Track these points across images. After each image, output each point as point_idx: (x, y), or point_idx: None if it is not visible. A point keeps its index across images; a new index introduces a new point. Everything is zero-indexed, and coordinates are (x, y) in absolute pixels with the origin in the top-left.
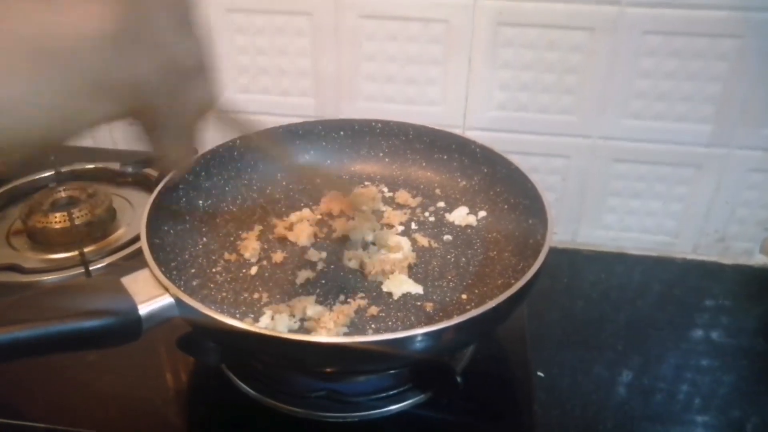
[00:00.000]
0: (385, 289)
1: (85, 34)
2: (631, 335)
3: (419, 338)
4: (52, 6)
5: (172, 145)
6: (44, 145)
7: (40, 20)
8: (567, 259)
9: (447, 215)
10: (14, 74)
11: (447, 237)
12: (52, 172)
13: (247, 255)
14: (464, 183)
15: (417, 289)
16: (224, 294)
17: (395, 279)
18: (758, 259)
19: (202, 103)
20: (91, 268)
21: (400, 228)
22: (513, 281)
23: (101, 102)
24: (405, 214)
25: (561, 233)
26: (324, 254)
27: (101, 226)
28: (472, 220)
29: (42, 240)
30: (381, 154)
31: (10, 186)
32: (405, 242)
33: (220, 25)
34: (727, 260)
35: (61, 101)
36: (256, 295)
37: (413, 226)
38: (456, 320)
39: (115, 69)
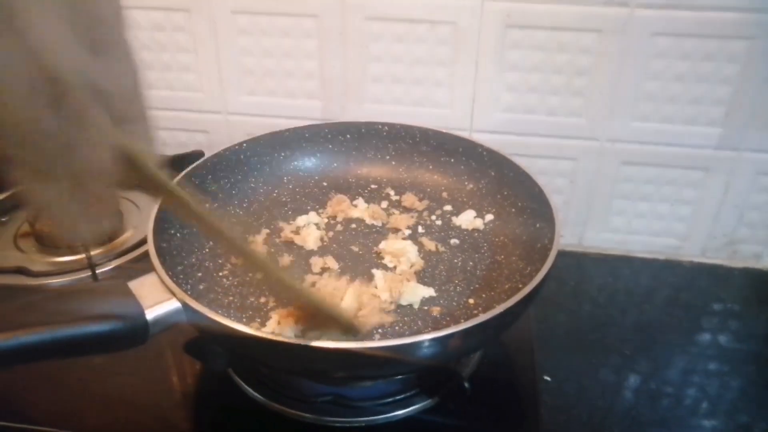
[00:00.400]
0: (404, 302)
1: None
2: (638, 339)
3: (426, 344)
4: None
5: (58, 204)
6: None
7: None
8: (574, 263)
9: (454, 219)
10: None
11: (454, 241)
12: None
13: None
14: (471, 186)
15: (429, 291)
16: (231, 298)
17: (408, 289)
18: (767, 263)
19: (103, 152)
20: (97, 272)
21: (407, 232)
22: (521, 285)
23: None
24: (412, 217)
25: (568, 236)
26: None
27: (108, 230)
28: (479, 223)
29: (49, 243)
30: (387, 157)
31: (18, 189)
32: (410, 246)
33: (226, 26)
34: (735, 264)
35: None
36: (262, 300)
37: (420, 229)
38: (463, 326)
39: None
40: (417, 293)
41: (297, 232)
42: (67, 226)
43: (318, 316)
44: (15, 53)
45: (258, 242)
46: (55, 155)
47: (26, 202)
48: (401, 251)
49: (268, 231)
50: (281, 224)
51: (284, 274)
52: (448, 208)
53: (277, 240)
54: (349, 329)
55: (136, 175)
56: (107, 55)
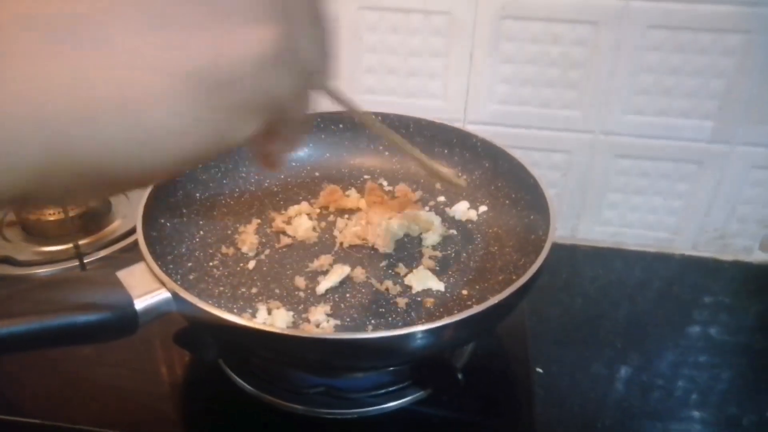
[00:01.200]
0: (406, 282)
1: (246, 59)
2: (629, 332)
3: (419, 335)
4: (213, 33)
5: (290, 135)
6: (176, 171)
7: (202, 50)
8: (566, 255)
9: (447, 210)
10: (176, 104)
11: (448, 232)
12: None
13: (244, 249)
14: (465, 177)
15: (438, 286)
16: (221, 288)
17: (419, 273)
18: (757, 256)
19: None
20: (86, 261)
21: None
22: (514, 277)
23: (248, 122)
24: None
25: (560, 229)
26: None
27: (96, 218)
28: (472, 214)
29: (36, 232)
30: (381, 148)
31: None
32: (435, 218)
33: None
34: (726, 257)
35: (215, 126)
36: (254, 290)
37: None
38: (457, 317)
39: (268, 88)
40: (424, 282)
41: (288, 222)
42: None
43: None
44: (293, 70)
45: (249, 232)
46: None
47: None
48: (427, 223)
49: (259, 221)
50: (272, 214)
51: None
52: (441, 199)
53: (269, 230)
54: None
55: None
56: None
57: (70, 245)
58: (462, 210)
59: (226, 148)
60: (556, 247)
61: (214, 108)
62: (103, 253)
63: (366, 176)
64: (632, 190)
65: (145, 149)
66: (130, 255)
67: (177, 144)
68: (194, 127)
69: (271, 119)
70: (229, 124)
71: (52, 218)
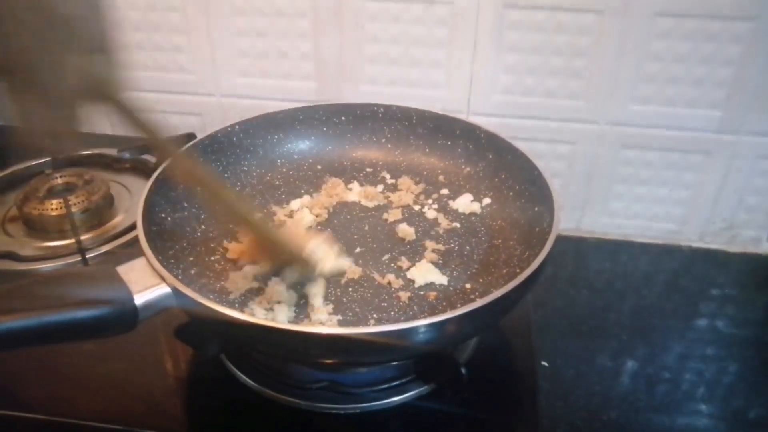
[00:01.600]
0: (409, 275)
1: None
2: (635, 324)
3: (422, 329)
4: None
5: (43, 115)
6: None
7: None
8: (571, 247)
9: (451, 203)
10: None
11: (451, 224)
12: (49, 159)
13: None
14: (468, 169)
15: (442, 279)
16: (222, 283)
17: (421, 267)
18: (766, 248)
19: (87, 78)
20: (88, 256)
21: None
22: (518, 270)
23: None
24: (410, 195)
25: (566, 220)
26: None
27: (98, 213)
28: (476, 207)
29: (38, 227)
30: (383, 140)
31: (6, 172)
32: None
33: (219, 6)
34: (734, 249)
35: None
36: (255, 284)
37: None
38: (460, 311)
39: None
40: (426, 275)
41: (290, 215)
42: (33, 128)
43: (273, 250)
44: None
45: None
46: (30, 67)
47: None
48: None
49: (260, 215)
50: (274, 208)
51: (247, 207)
52: (444, 191)
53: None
54: (300, 262)
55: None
56: None
57: (72, 240)
58: (465, 203)
59: None
60: (561, 239)
61: None
62: (105, 248)
63: (368, 169)
64: (638, 180)
65: None
66: (132, 250)
67: None
68: None
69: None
70: None
71: (54, 213)
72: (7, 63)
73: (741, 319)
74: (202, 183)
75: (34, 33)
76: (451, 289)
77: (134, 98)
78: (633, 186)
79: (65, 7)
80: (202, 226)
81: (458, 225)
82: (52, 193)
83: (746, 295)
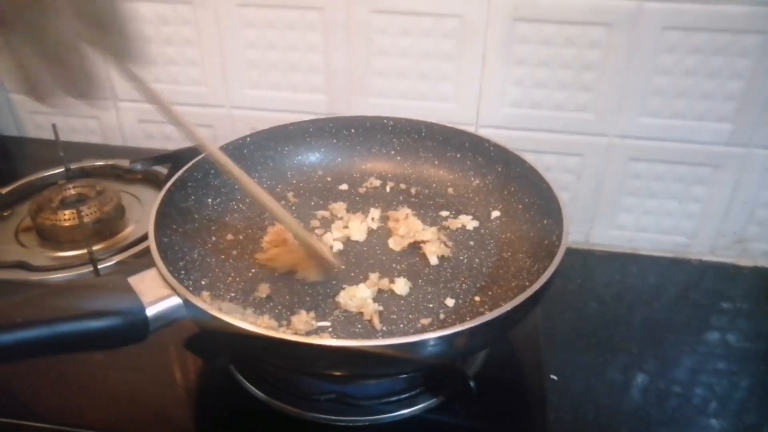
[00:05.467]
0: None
1: None
2: (645, 338)
3: (432, 342)
4: None
5: (42, 69)
6: None
7: None
8: (580, 260)
9: (453, 220)
10: None
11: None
12: (62, 169)
13: (256, 255)
14: (477, 182)
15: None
16: (233, 294)
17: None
18: None
19: (60, 27)
20: (99, 267)
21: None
22: (527, 283)
23: None
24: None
25: (574, 233)
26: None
27: (110, 224)
28: (476, 224)
29: (51, 237)
30: (392, 152)
31: (20, 183)
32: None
33: (230, 19)
34: (745, 262)
35: None
36: (265, 295)
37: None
38: (469, 324)
39: None
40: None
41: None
42: (37, 87)
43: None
44: None
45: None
46: (30, 22)
47: (7, 68)
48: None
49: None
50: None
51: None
52: (444, 213)
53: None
54: (327, 264)
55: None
56: None
57: (84, 251)
58: (466, 220)
59: None
60: (570, 252)
61: None
62: (116, 258)
63: (377, 181)
64: (647, 193)
65: None
66: (144, 260)
67: None
68: None
69: None
70: None
71: (66, 224)
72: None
73: (753, 333)
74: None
75: None
76: (460, 301)
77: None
78: (642, 199)
79: None
80: (213, 238)
81: (467, 238)
82: (64, 204)
83: (758, 309)
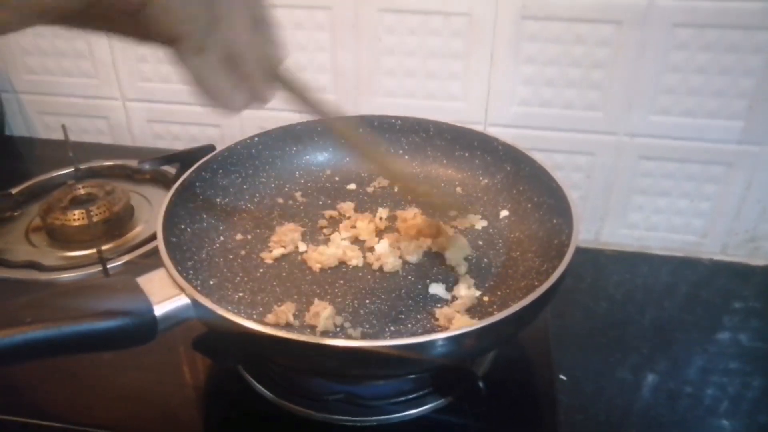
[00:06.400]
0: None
1: None
2: (656, 338)
3: (440, 343)
4: None
5: (207, 73)
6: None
7: None
8: (590, 259)
9: (461, 219)
10: None
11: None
12: (72, 170)
13: (263, 255)
14: (486, 181)
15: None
16: (241, 294)
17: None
18: None
19: (239, 40)
20: (108, 266)
21: None
22: (537, 283)
23: None
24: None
25: (584, 232)
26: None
27: (119, 224)
28: (485, 224)
29: (60, 237)
30: (401, 151)
31: (29, 183)
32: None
33: None
34: (757, 261)
35: None
36: (273, 296)
37: None
38: (478, 325)
39: None
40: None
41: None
42: (216, 96)
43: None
44: None
45: (273, 240)
46: (207, 34)
47: (186, 77)
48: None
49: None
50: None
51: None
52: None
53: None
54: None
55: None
56: None
57: (94, 251)
58: (475, 219)
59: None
60: (580, 251)
61: None
62: (126, 258)
63: (385, 180)
64: (658, 192)
65: None
66: (153, 260)
67: None
68: None
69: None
70: None
71: (76, 224)
72: (181, 31)
73: (765, 333)
74: (362, 151)
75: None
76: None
77: (295, 74)
78: (653, 197)
79: None
80: (221, 237)
81: (475, 237)
82: (74, 204)
83: None
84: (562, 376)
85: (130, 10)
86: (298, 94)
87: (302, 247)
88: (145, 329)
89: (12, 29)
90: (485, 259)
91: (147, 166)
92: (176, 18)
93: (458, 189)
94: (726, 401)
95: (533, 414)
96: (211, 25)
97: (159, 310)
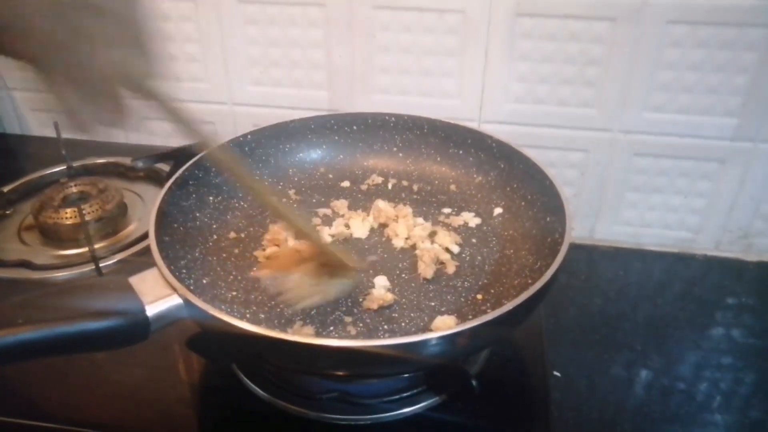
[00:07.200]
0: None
1: None
2: (650, 334)
3: (433, 342)
4: None
5: (81, 104)
6: None
7: None
8: (584, 256)
9: (455, 218)
10: None
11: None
12: (64, 167)
13: (257, 253)
14: (480, 179)
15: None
16: (234, 293)
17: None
18: None
19: (119, 67)
20: (101, 265)
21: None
22: (530, 281)
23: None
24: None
25: (578, 229)
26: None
27: (112, 222)
28: (479, 221)
29: (53, 236)
30: (395, 149)
31: (22, 181)
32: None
33: (232, 15)
34: (750, 257)
35: None
36: (267, 295)
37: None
38: (471, 324)
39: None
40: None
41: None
42: (78, 121)
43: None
44: None
45: (266, 238)
46: (68, 61)
47: (50, 103)
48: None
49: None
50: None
51: (300, 220)
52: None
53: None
54: (349, 271)
55: (132, 86)
56: None
57: (86, 249)
58: (469, 217)
59: None
60: (574, 248)
61: None
62: (118, 256)
63: (379, 178)
64: (652, 189)
65: None
66: (146, 259)
67: None
68: None
69: (30, 46)
70: None
71: (68, 222)
72: (39, 53)
73: (758, 329)
74: (236, 175)
75: (68, 23)
76: (462, 299)
77: (169, 89)
78: (646, 194)
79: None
80: (214, 236)
81: (469, 235)
82: (66, 202)
83: (763, 304)
84: (556, 373)
85: None
86: (169, 110)
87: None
88: (137, 329)
89: None
90: (479, 257)
91: (140, 164)
92: (29, 39)
93: (452, 186)
94: (719, 397)
95: (527, 410)
96: (64, 45)
97: (151, 311)
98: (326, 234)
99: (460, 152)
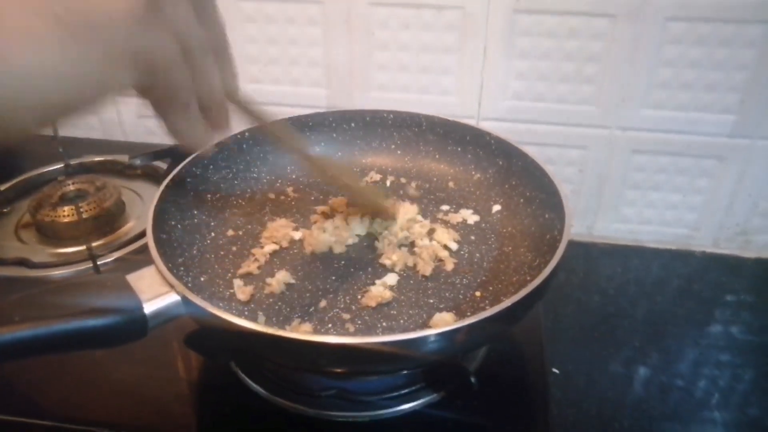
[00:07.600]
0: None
1: (117, 11)
2: (648, 331)
3: (431, 339)
4: None
5: (186, 124)
6: (59, 113)
7: None
8: (583, 253)
9: (453, 215)
10: (49, 44)
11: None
12: (62, 165)
13: (255, 251)
14: (479, 176)
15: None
16: (232, 291)
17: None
18: None
19: (214, 87)
20: (99, 263)
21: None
22: (529, 278)
23: (120, 72)
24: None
25: (577, 226)
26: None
27: (110, 220)
28: (477, 218)
29: (50, 234)
30: (393, 146)
31: (19, 179)
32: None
33: (230, 13)
34: (748, 254)
35: (88, 70)
36: (266, 291)
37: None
38: (469, 320)
39: (137, 43)
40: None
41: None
42: (192, 142)
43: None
44: (162, 32)
45: (264, 235)
46: (188, 94)
47: (168, 130)
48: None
49: (271, 223)
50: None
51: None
52: (444, 207)
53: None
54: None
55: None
56: (207, 19)
57: (84, 247)
58: (467, 214)
59: (102, 96)
60: (573, 245)
61: (84, 52)
62: (116, 254)
63: (378, 175)
64: (650, 186)
65: (23, 91)
66: (143, 256)
67: (53, 85)
68: (66, 68)
69: (148, 81)
70: (101, 70)
71: (66, 220)
72: (151, 84)
73: (756, 326)
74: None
75: (196, 66)
76: (461, 296)
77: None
78: (645, 191)
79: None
80: (212, 234)
81: (468, 232)
82: (64, 200)
83: (762, 301)
84: (554, 370)
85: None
86: (252, 113)
87: (297, 235)
88: (135, 327)
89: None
90: (477, 254)
91: (138, 162)
92: (166, 90)
93: (450, 184)
94: (717, 394)
95: (526, 407)
96: (189, 84)
97: (149, 308)
98: (324, 230)
99: (459, 149)
